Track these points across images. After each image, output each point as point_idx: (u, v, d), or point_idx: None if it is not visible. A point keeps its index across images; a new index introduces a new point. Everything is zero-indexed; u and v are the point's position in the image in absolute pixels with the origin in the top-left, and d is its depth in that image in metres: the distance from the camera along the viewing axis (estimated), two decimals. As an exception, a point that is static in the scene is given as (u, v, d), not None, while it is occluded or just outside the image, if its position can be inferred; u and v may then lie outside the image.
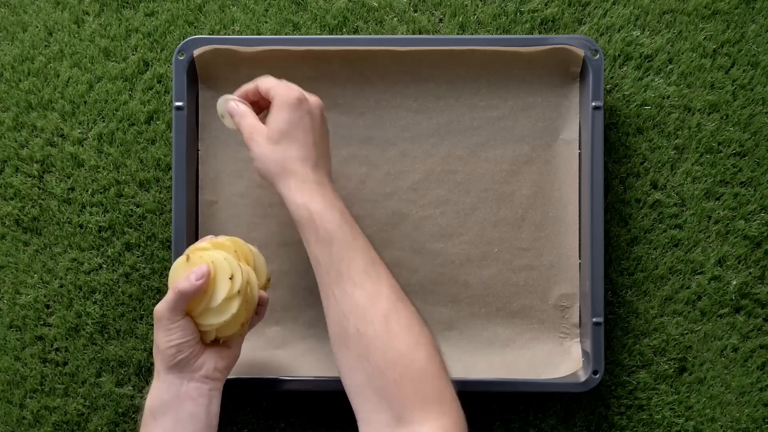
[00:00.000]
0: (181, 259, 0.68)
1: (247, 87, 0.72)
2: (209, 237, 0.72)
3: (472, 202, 0.82)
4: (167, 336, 0.65)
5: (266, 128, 0.69)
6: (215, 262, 0.67)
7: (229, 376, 0.78)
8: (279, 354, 0.81)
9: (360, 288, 0.63)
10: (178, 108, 0.79)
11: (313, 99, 0.70)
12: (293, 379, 0.79)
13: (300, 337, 0.82)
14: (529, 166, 0.82)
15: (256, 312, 0.71)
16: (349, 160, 0.82)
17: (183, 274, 0.67)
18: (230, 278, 0.66)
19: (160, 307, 0.66)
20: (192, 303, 0.66)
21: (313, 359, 0.81)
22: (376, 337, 0.61)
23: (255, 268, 0.71)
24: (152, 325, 0.83)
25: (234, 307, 0.67)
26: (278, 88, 0.69)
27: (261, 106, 0.73)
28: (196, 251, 0.68)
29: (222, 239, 0.71)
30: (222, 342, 0.70)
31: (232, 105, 0.72)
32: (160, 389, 0.66)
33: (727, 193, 0.83)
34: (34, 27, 0.84)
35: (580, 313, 0.81)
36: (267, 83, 0.70)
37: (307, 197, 0.67)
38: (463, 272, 0.82)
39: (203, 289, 0.66)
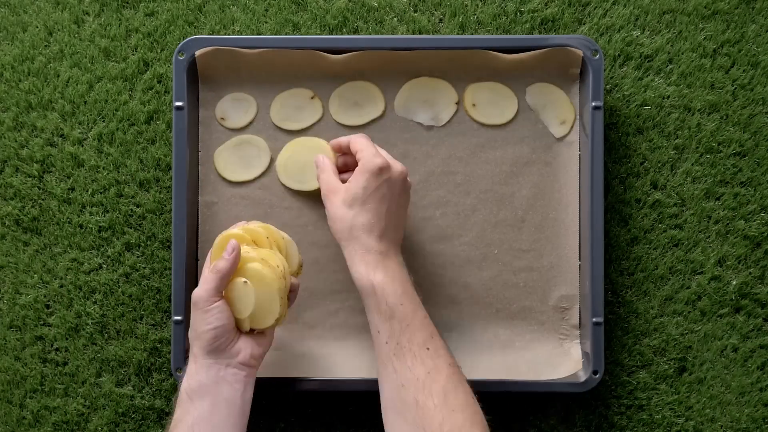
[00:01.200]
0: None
1: (341, 140, 0.75)
2: (242, 223, 0.74)
3: (472, 204, 0.82)
4: (205, 318, 0.67)
5: (343, 189, 0.71)
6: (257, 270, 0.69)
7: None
8: (279, 354, 0.81)
9: (420, 362, 0.65)
10: (178, 108, 0.79)
11: (397, 169, 0.71)
12: (293, 380, 0.79)
13: (300, 338, 0.82)
14: (529, 167, 0.82)
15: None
16: (349, 161, 0.82)
17: (217, 256, 0.70)
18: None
19: (198, 290, 0.68)
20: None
21: (312, 360, 0.81)
22: (435, 410, 0.63)
23: (287, 255, 0.73)
24: (152, 325, 0.83)
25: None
26: (365, 152, 0.70)
27: (348, 164, 0.77)
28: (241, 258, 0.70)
29: (254, 224, 0.73)
30: (256, 332, 0.71)
31: (318, 158, 0.75)
32: (198, 372, 0.67)
33: (727, 193, 0.83)
34: (34, 27, 0.84)
35: (579, 315, 0.81)
36: (357, 144, 0.72)
37: (371, 268, 0.68)
38: (463, 273, 0.82)
39: (237, 262, 0.68)
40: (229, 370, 0.68)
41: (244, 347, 0.69)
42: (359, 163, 0.70)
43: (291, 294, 0.73)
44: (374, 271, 0.68)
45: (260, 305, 0.69)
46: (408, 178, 0.73)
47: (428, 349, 0.66)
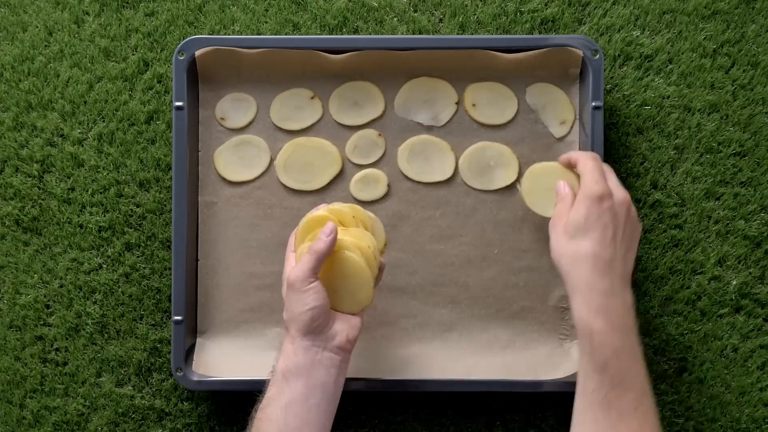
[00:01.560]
0: (305, 226, 0.71)
1: (571, 156, 0.73)
2: (323, 205, 0.73)
3: (472, 204, 0.82)
4: (302, 299, 0.66)
5: (567, 218, 0.68)
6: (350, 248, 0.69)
7: (230, 377, 0.79)
8: (279, 354, 0.81)
9: (626, 423, 0.62)
10: (178, 108, 0.79)
11: (619, 196, 0.68)
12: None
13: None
14: (529, 167, 0.81)
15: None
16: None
17: (303, 239, 0.70)
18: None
19: (294, 272, 0.67)
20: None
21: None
22: None
23: (373, 234, 0.73)
24: (152, 325, 0.83)
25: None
26: (586, 177, 0.68)
27: None
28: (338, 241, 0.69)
29: (338, 206, 0.72)
30: (348, 314, 0.71)
31: (560, 186, 0.72)
32: (296, 354, 0.67)
33: (727, 193, 0.83)
34: (34, 27, 0.84)
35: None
36: (582, 166, 0.70)
37: (592, 312, 0.64)
38: (463, 273, 0.82)
39: (334, 243, 0.67)
40: (325, 354, 0.67)
41: (341, 330, 0.68)
42: (580, 190, 0.68)
43: (379, 273, 0.72)
44: (595, 316, 0.64)
45: (354, 289, 0.69)
46: (632, 208, 0.69)
47: (636, 409, 0.63)
